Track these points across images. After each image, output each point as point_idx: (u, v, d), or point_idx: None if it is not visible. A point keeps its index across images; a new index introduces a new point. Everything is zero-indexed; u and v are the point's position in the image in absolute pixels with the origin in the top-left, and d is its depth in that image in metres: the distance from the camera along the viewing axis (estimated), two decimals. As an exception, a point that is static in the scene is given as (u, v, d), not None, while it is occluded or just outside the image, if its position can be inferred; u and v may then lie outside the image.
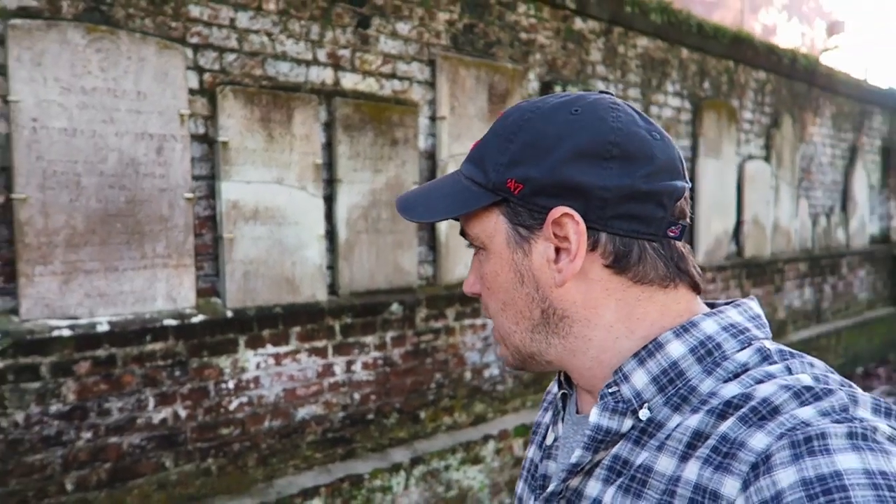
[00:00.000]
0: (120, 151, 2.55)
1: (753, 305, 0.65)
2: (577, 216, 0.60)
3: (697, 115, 5.30)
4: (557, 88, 4.14)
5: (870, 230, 8.10)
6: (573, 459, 0.63)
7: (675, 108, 5.15)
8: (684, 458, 0.55)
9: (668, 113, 5.08)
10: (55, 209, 2.42)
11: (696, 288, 0.66)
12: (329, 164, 3.18)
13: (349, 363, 3.22)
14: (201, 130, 2.80)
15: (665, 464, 0.56)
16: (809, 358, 0.59)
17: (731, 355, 0.60)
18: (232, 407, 2.84)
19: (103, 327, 2.50)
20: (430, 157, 3.59)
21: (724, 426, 0.53)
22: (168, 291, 2.68)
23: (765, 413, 0.52)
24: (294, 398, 3.03)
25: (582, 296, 0.63)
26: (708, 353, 0.60)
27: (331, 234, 3.20)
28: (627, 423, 0.61)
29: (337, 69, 3.20)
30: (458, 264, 3.65)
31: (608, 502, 0.59)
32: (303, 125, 3.03)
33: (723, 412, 0.55)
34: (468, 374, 3.73)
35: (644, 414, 0.60)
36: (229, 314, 2.83)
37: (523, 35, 4.00)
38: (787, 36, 13.77)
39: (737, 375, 0.58)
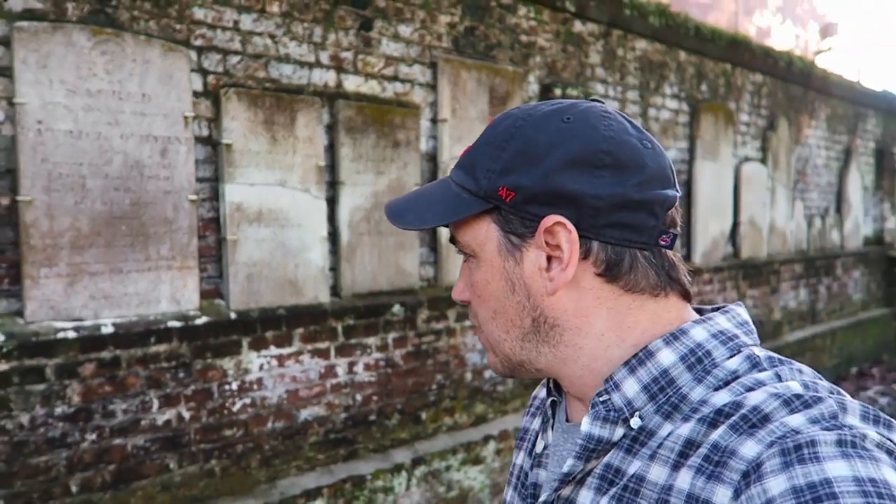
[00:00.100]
0: (125, 154, 2.55)
1: (741, 311, 0.65)
2: (570, 225, 0.60)
3: (695, 117, 5.33)
4: (557, 91, 4.16)
5: (864, 231, 8.16)
6: (565, 469, 0.63)
7: (672, 110, 5.18)
8: (676, 466, 0.55)
9: (665, 115, 5.11)
10: (60, 211, 2.42)
11: (686, 296, 0.66)
12: (331, 167, 3.19)
13: (351, 364, 3.23)
14: (205, 133, 2.80)
15: (657, 473, 0.56)
16: (798, 364, 0.60)
17: (721, 363, 0.60)
18: (235, 408, 2.85)
19: (108, 329, 2.51)
20: (432, 159, 3.60)
21: (715, 435, 0.54)
22: (172, 293, 2.68)
23: (755, 421, 0.52)
24: (297, 399, 3.04)
25: (573, 304, 0.63)
26: (698, 361, 0.60)
27: (333, 236, 3.21)
28: (619, 431, 0.61)
29: (339, 71, 3.21)
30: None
31: None
32: (306, 127, 3.05)
33: (714, 420, 0.55)
34: (469, 375, 3.75)
35: (635, 422, 0.60)
36: (233, 316, 2.83)
37: (523, 38, 4.03)
38: (781, 38, 13.85)
39: (727, 383, 0.58)
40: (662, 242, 0.62)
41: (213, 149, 2.83)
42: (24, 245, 2.36)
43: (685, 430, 0.56)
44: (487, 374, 3.84)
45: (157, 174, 2.64)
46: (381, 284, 3.37)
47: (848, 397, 0.54)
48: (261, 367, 2.92)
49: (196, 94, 2.76)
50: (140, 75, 2.58)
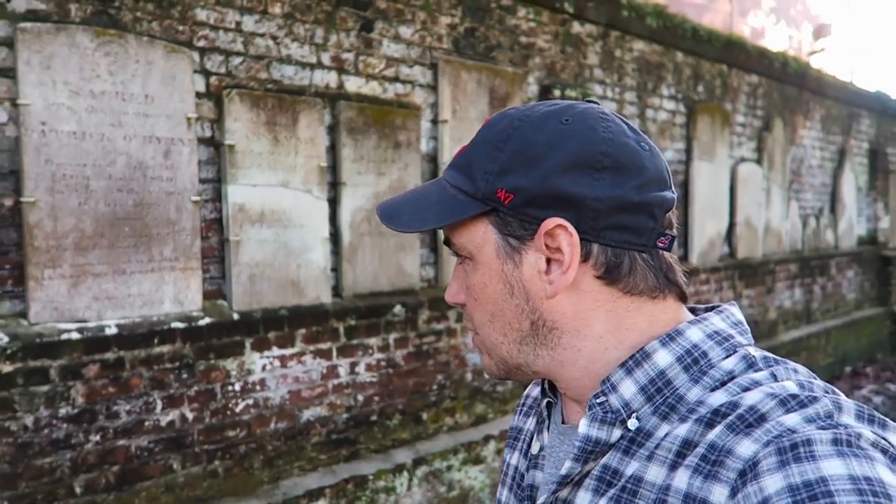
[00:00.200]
0: (128, 155, 2.55)
1: (735, 311, 0.66)
2: (571, 227, 0.59)
3: (692, 118, 5.36)
4: (556, 92, 4.18)
5: (857, 231, 8.22)
6: (563, 471, 0.63)
7: (670, 111, 5.21)
8: (673, 466, 0.55)
9: (663, 116, 5.14)
10: (64, 212, 2.42)
11: (683, 298, 0.66)
12: (333, 167, 3.20)
13: (353, 365, 3.24)
14: (208, 134, 2.81)
15: (655, 473, 0.57)
16: (793, 364, 0.60)
17: (717, 363, 0.60)
18: (238, 409, 2.86)
19: (111, 330, 2.51)
20: (432, 160, 3.62)
21: (712, 434, 0.54)
22: (175, 294, 2.69)
23: (752, 421, 0.53)
24: (299, 400, 3.05)
25: (572, 307, 0.63)
26: (694, 362, 0.60)
27: (335, 237, 3.22)
28: (616, 433, 0.61)
29: (341, 72, 3.22)
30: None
31: None
32: (307, 128, 3.05)
33: (710, 420, 0.55)
34: (469, 376, 3.76)
35: (633, 424, 0.60)
36: (235, 317, 2.84)
37: (523, 39, 4.04)
38: (775, 39, 13.92)
39: (723, 383, 0.58)
40: (661, 244, 0.63)
41: (215, 150, 2.84)
42: (28, 246, 2.36)
43: (682, 430, 0.57)
44: (486, 375, 3.85)
45: (161, 175, 2.64)
46: (382, 285, 3.38)
47: (843, 397, 0.55)
48: (263, 368, 2.93)
49: (199, 95, 2.76)
50: (143, 76, 2.58)
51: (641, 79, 4.93)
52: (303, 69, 3.08)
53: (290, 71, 3.04)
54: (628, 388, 0.61)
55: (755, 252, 6.18)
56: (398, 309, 3.40)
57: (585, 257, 0.61)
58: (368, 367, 3.30)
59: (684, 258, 5.35)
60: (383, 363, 3.36)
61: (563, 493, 0.64)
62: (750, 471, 0.49)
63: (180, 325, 2.67)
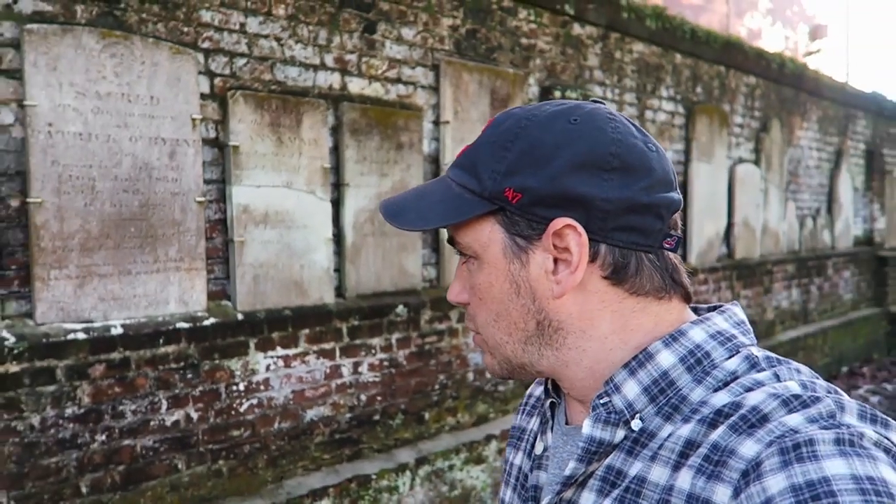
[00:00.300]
0: (133, 156, 2.56)
1: (738, 311, 0.66)
2: (580, 228, 0.59)
3: (690, 119, 5.39)
4: (557, 93, 4.20)
5: (854, 232, 8.27)
6: (567, 472, 0.63)
7: (669, 112, 5.24)
8: (677, 467, 0.55)
9: (662, 117, 5.17)
10: (70, 213, 2.43)
11: (687, 298, 0.66)
12: (336, 168, 3.22)
13: (356, 365, 3.26)
14: (212, 135, 2.82)
15: (658, 474, 0.57)
16: (796, 364, 0.60)
17: (720, 363, 0.60)
18: (242, 409, 2.87)
19: (117, 330, 2.52)
20: (434, 161, 3.63)
21: (715, 435, 0.54)
22: (180, 295, 2.70)
23: (754, 421, 0.53)
24: (303, 400, 3.06)
25: (578, 307, 0.63)
26: (697, 363, 0.60)
27: (338, 238, 3.24)
28: (620, 433, 0.61)
29: (344, 74, 3.23)
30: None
31: None
32: (311, 129, 3.07)
33: (713, 421, 0.55)
34: (471, 375, 3.78)
35: (636, 424, 0.60)
36: (240, 317, 2.85)
37: (524, 40, 4.06)
38: (772, 40, 13.98)
39: (726, 384, 0.58)
40: (667, 245, 0.63)
41: (220, 151, 2.85)
42: (35, 247, 2.37)
43: (685, 430, 0.57)
44: (488, 374, 3.87)
45: (166, 176, 2.65)
46: (384, 285, 3.39)
47: (845, 397, 0.55)
48: (267, 368, 2.94)
49: (203, 96, 2.78)
50: (148, 78, 2.59)
51: (641, 80, 4.96)
52: (306, 70, 3.10)
53: (293, 72, 3.05)
54: (632, 389, 0.61)
55: (753, 252, 6.21)
56: (401, 309, 3.41)
57: (593, 258, 0.61)
58: (371, 367, 3.32)
59: (683, 258, 5.35)
60: (386, 363, 3.38)
61: (567, 494, 0.64)
62: (753, 471, 0.50)
63: (185, 325, 2.68)
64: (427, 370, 3.56)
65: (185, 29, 2.72)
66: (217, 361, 2.78)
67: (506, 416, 3.94)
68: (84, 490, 2.45)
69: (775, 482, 0.47)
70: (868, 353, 8.02)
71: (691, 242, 5.39)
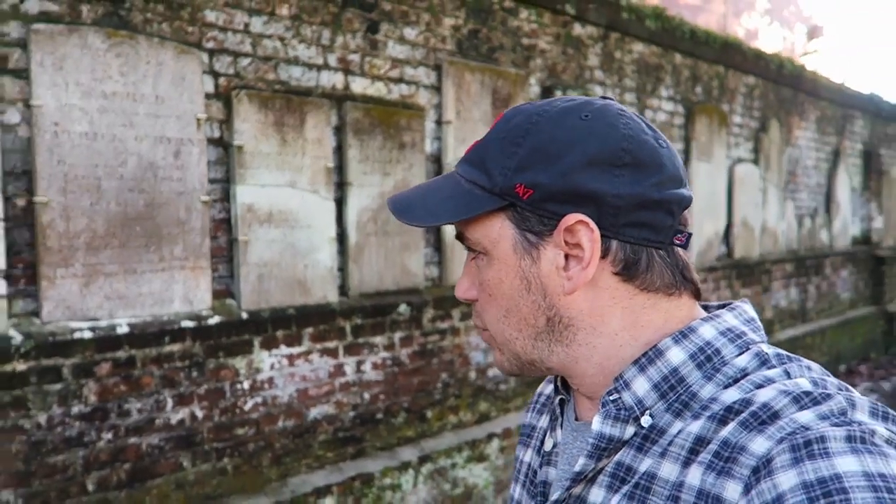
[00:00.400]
0: (139, 155, 2.57)
1: (748, 308, 0.65)
2: (592, 224, 0.59)
3: (690, 119, 5.41)
4: (558, 93, 4.22)
5: (852, 231, 8.30)
6: (577, 468, 0.63)
7: (668, 112, 5.26)
8: (687, 463, 0.55)
9: (662, 117, 5.19)
10: (76, 212, 2.44)
11: (697, 295, 0.66)
12: (339, 168, 3.23)
13: (359, 363, 3.27)
14: (217, 134, 2.83)
15: (668, 470, 0.57)
16: (806, 361, 0.60)
17: (730, 360, 0.60)
18: (247, 407, 2.88)
19: (123, 329, 2.53)
20: (437, 160, 3.65)
21: (726, 431, 0.54)
22: (185, 293, 2.71)
23: (765, 418, 0.52)
24: (306, 398, 3.08)
25: (589, 304, 0.63)
26: (707, 359, 0.60)
27: (341, 237, 3.25)
28: (630, 430, 0.61)
29: (347, 74, 3.24)
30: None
31: None
32: (315, 129, 3.08)
33: (724, 417, 0.55)
34: (473, 374, 3.80)
35: (646, 421, 0.60)
36: (244, 316, 2.86)
37: (525, 40, 4.08)
38: (769, 40, 14.02)
39: (736, 381, 0.58)
40: (677, 242, 0.63)
41: (224, 150, 2.86)
42: (41, 246, 2.37)
43: (695, 427, 0.57)
44: (491, 372, 3.89)
45: (171, 175, 2.66)
46: (387, 284, 3.41)
47: (856, 394, 0.55)
48: (272, 367, 2.95)
49: (208, 95, 2.79)
50: (154, 77, 2.60)
51: (641, 80, 4.98)
52: (310, 70, 3.11)
53: (297, 72, 3.06)
54: (641, 386, 0.61)
55: (752, 252, 6.24)
56: (403, 308, 3.43)
57: (604, 254, 0.61)
58: (374, 366, 3.33)
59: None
60: (389, 362, 3.39)
61: (577, 490, 0.64)
62: (763, 467, 0.49)
63: (190, 324, 2.69)
64: (429, 369, 3.57)
65: (190, 29, 2.73)
66: (222, 360, 2.80)
67: (507, 415, 3.96)
68: (90, 488, 2.46)
69: (786, 479, 0.47)
70: (865, 352, 8.06)
71: (691, 242, 5.41)
